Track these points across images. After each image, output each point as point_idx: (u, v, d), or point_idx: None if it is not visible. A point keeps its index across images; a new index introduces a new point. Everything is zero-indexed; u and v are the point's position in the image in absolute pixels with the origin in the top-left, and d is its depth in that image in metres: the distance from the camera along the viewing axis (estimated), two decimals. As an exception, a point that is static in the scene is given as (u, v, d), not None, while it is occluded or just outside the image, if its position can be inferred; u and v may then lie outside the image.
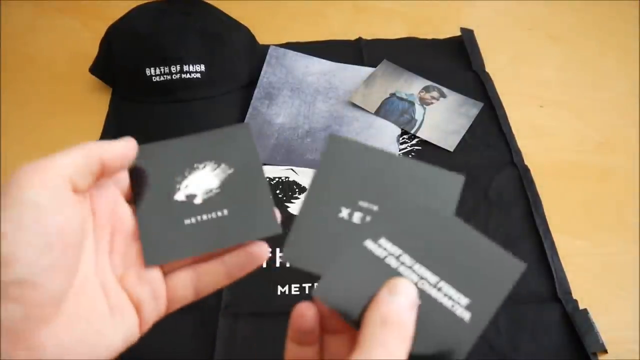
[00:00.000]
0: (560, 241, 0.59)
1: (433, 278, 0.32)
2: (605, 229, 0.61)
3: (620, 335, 0.52)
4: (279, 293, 0.56)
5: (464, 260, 0.34)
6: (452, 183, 0.39)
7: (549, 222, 0.60)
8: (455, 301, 0.31)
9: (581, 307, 0.54)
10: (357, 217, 0.34)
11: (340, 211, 0.35)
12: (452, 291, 0.32)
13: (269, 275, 0.57)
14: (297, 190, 0.64)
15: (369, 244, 0.32)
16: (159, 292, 0.31)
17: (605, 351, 0.51)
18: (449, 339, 0.30)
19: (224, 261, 0.33)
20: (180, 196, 0.36)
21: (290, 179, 0.65)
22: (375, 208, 0.35)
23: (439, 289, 0.32)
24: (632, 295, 0.56)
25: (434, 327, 0.30)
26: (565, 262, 0.57)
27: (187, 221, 0.35)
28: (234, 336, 0.53)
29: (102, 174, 0.29)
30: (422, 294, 0.31)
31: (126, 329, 0.29)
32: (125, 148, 0.32)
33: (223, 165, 0.38)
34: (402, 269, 0.31)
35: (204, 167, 0.38)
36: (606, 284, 0.57)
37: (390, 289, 0.29)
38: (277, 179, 0.65)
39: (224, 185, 0.37)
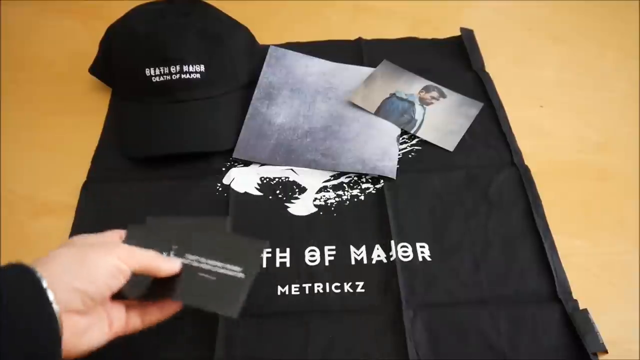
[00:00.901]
0: (560, 241, 0.59)
1: (219, 263, 0.49)
2: (605, 229, 0.61)
3: (620, 335, 0.52)
4: (279, 293, 0.56)
5: (229, 249, 0.50)
6: (257, 248, 0.50)
7: (549, 222, 0.60)
8: (234, 270, 0.48)
9: (581, 307, 0.54)
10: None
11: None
12: (231, 267, 0.48)
13: (269, 275, 0.57)
14: (297, 190, 0.64)
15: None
16: (122, 318, 0.46)
17: (606, 351, 0.51)
18: (226, 293, 0.47)
19: (159, 307, 0.48)
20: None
21: (290, 179, 0.65)
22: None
23: (224, 268, 0.48)
24: (632, 295, 0.56)
25: (219, 289, 0.47)
26: (565, 262, 0.57)
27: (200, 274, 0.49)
28: (234, 336, 0.53)
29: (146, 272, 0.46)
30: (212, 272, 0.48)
31: (103, 333, 0.44)
32: (174, 268, 0.48)
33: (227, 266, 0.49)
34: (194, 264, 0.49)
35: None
36: (606, 284, 0.57)
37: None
38: (277, 179, 0.65)
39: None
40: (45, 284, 0.38)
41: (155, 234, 0.51)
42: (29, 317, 0.36)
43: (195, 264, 0.49)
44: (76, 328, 0.40)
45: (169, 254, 0.49)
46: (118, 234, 0.50)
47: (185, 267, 0.48)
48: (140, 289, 0.48)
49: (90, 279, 0.41)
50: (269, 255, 0.59)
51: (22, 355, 0.36)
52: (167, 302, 0.48)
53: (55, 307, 0.38)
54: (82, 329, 0.41)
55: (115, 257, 0.42)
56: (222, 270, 0.48)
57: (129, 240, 0.50)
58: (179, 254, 0.49)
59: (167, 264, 0.47)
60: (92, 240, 0.46)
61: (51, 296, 0.38)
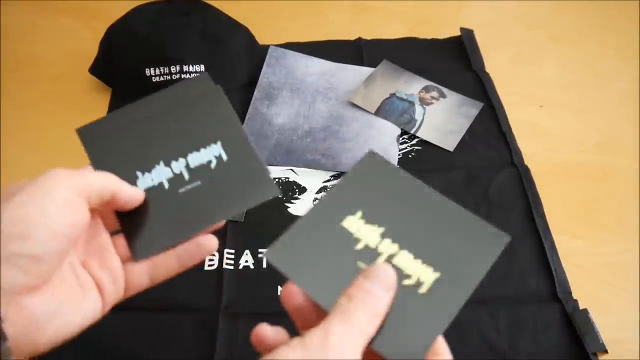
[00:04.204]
0: (560, 241, 0.59)
1: (401, 253, 0.32)
2: (605, 229, 0.61)
3: (620, 335, 0.52)
4: (278, 293, 0.56)
5: (440, 234, 0.33)
6: (495, 242, 0.35)
7: (549, 222, 0.60)
8: (418, 275, 0.31)
9: (581, 307, 0.54)
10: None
11: (343, 220, 0.33)
12: (413, 264, 0.31)
13: (269, 275, 0.57)
14: (297, 190, 0.64)
15: (343, 221, 0.33)
16: (118, 278, 0.35)
17: (606, 351, 0.51)
18: (417, 317, 0.30)
19: (176, 251, 0.36)
20: (165, 174, 0.38)
21: (290, 180, 0.65)
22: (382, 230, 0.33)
23: (395, 263, 0.31)
24: (632, 295, 0.56)
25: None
26: (565, 262, 0.57)
27: (181, 190, 0.37)
28: (234, 336, 0.53)
29: (107, 204, 0.34)
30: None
31: (93, 307, 0.33)
32: (136, 196, 0.36)
33: (208, 148, 0.38)
34: (371, 248, 0.32)
35: (189, 154, 0.38)
36: (606, 284, 0.57)
37: (365, 275, 0.30)
38: (277, 180, 0.65)
39: (212, 162, 0.38)
40: None
41: (119, 141, 0.38)
42: None
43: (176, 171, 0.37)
44: (32, 316, 0.28)
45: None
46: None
47: (159, 191, 0.37)
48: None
49: (30, 232, 0.28)
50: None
51: None
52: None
53: None
54: (42, 314, 0.29)
55: (65, 187, 0.31)
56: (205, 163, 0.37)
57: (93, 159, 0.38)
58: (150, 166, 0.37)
59: (129, 187, 0.35)
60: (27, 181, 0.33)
61: None
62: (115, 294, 0.34)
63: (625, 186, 0.65)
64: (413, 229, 0.33)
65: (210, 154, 0.37)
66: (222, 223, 0.38)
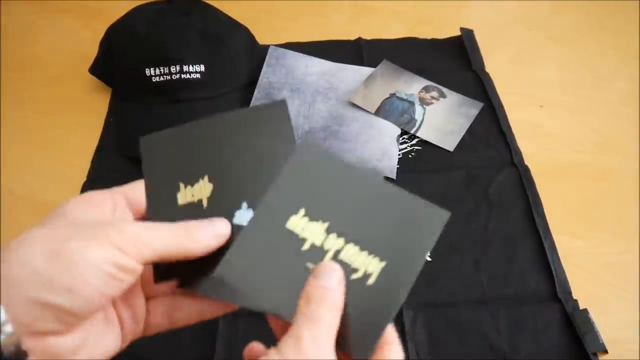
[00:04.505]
0: (560, 241, 0.59)
1: (346, 247, 0.31)
2: (605, 229, 0.61)
3: (620, 335, 0.52)
4: (279, 293, 0.56)
5: (382, 221, 0.32)
6: (435, 219, 0.32)
7: (548, 222, 0.60)
8: (364, 267, 0.31)
9: (581, 307, 0.54)
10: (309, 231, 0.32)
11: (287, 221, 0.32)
12: (360, 257, 0.31)
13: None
14: (297, 190, 0.64)
15: (286, 224, 0.32)
16: (140, 317, 0.33)
17: (606, 351, 0.51)
18: (368, 310, 0.30)
19: (200, 300, 0.34)
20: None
21: (290, 179, 0.65)
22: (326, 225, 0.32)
23: (342, 259, 0.31)
24: (632, 295, 0.56)
25: (354, 305, 0.30)
26: (565, 262, 0.57)
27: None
28: (234, 336, 0.53)
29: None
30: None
31: (114, 343, 0.32)
32: (205, 245, 0.31)
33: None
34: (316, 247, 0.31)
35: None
36: (606, 284, 0.57)
37: (314, 275, 0.30)
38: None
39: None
40: None
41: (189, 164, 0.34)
42: None
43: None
44: (56, 350, 0.27)
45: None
46: (124, 195, 0.34)
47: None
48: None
49: (68, 286, 0.26)
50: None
51: None
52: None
53: (8, 329, 0.25)
54: (67, 350, 0.28)
55: (111, 249, 0.27)
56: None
57: (150, 196, 0.34)
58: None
59: (203, 238, 0.31)
60: (85, 212, 0.31)
61: (3, 315, 0.25)
62: (135, 331, 0.33)
63: (625, 186, 0.65)
64: (356, 219, 0.32)
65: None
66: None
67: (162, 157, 0.37)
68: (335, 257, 0.31)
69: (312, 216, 0.32)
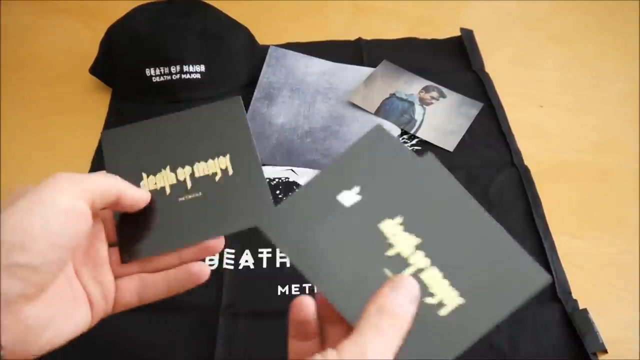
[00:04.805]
0: (560, 241, 0.59)
1: (194, 167, 0.36)
2: (605, 229, 0.61)
3: (620, 335, 0.52)
4: (279, 293, 0.56)
5: (476, 258, 0.31)
6: (534, 279, 0.32)
7: (548, 222, 0.60)
8: (217, 168, 0.34)
9: (581, 307, 0.54)
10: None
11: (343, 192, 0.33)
12: (441, 284, 0.30)
13: (269, 275, 0.57)
14: (297, 190, 0.64)
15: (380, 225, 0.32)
16: (108, 294, 0.35)
17: (605, 351, 0.51)
18: (429, 339, 0.29)
19: (167, 275, 0.37)
20: (169, 180, 0.38)
21: (290, 180, 0.65)
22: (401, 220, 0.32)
23: (422, 278, 0.30)
24: (632, 295, 0.56)
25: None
26: (565, 262, 0.57)
27: (181, 198, 0.37)
28: (234, 336, 0.53)
29: (112, 206, 0.34)
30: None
31: (83, 319, 0.33)
32: (141, 198, 0.36)
33: (216, 160, 0.38)
34: (400, 258, 0.31)
35: (196, 163, 0.39)
36: (606, 284, 0.57)
37: (391, 285, 0.30)
38: (277, 180, 0.65)
39: (217, 175, 0.38)
40: None
41: (137, 146, 0.39)
42: None
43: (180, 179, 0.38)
44: (27, 322, 0.29)
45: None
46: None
47: (159, 197, 0.37)
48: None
49: (23, 243, 0.28)
50: (269, 255, 0.59)
51: None
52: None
53: None
54: (38, 323, 0.29)
55: (68, 194, 0.29)
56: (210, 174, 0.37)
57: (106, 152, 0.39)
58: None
59: (134, 189, 0.35)
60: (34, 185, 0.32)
61: None
62: (104, 308, 0.35)
63: (625, 186, 0.65)
64: (449, 246, 0.32)
65: (217, 166, 0.38)
66: (218, 240, 0.37)
67: (124, 149, 0.40)
68: (415, 274, 0.31)
69: (408, 227, 0.32)
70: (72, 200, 0.30)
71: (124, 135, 0.41)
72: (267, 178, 0.65)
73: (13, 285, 0.27)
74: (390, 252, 0.31)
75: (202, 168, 0.38)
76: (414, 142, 0.69)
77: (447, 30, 0.83)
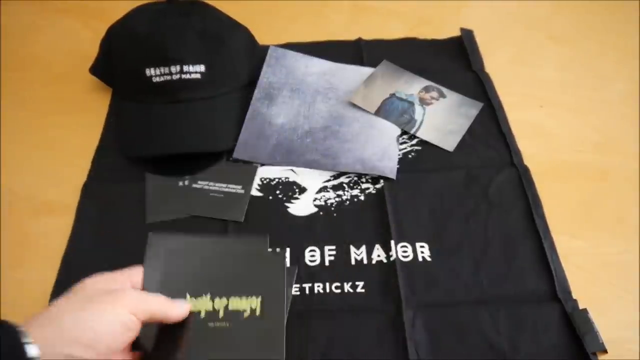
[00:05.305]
0: (560, 241, 0.59)
1: (229, 300, 0.45)
2: (605, 229, 0.61)
3: (620, 335, 0.52)
4: (279, 293, 0.56)
5: (244, 272, 0.46)
6: (273, 259, 0.48)
7: (548, 222, 0.60)
8: (248, 306, 0.45)
9: (581, 306, 0.54)
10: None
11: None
12: (242, 302, 0.45)
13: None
14: (297, 190, 0.64)
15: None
16: None
17: (605, 351, 0.51)
18: (260, 339, 0.43)
19: None
20: (207, 306, 0.46)
21: (290, 179, 0.65)
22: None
23: (232, 309, 0.45)
24: (632, 295, 0.56)
25: (244, 336, 0.43)
26: (565, 262, 0.57)
27: (210, 324, 0.45)
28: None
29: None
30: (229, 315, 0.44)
31: None
32: (179, 316, 0.44)
33: (250, 298, 0.46)
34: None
35: (232, 297, 0.47)
36: (606, 284, 0.57)
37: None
38: (277, 180, 0.65)
39: (246, 312, 0.46)
40: (35, 353, 0.34)
41: (176, 264, 0.47)
42: None
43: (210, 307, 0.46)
44: None
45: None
46: (129, 276, 0.45)
47: (195, 317, 0.45)
48: (147, 340, 0.44)
49: (88, 342, 0.36)
50: None
51: None
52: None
53: None
54: None
55: (124, 310, 0.38)
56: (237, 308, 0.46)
57: (147, 268, 0.47)
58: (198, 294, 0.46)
59: (177, 310, 0.43)
60: (100, 286, 0.41)
61: None
62: None
63: (625, 186, 0.65)
64: (225, 280, 0.46)
65: (249, 304, 0.45)
66: None
67: (168, 261, 0.48)
68: (226, 310, 0.45)
69: (195, 295, 0.46)
70: (130, 316, 0.38)
71: (169, 244, 0.50)
72: (267, 178, 0.65)
73: None
74: (202, 314, 0.46)
75: (236, 303, 0.46)
76: (414, 142, 0.69)
77: (447, 30, 0.83)
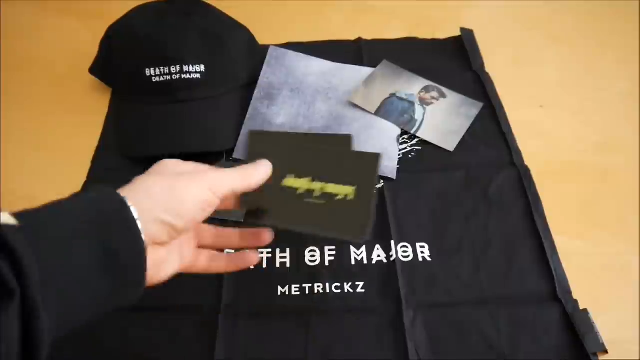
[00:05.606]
0: (560, 241, 0.59)
1: (326, 185, 0.50)
2: (605, 229, 0.61)
3: (620, 335, 0.52)
4: (279, 293, 0.56)
5: (343, 167, 0.51)
6: (371, 159, 0.51)
7: (549, 222, 0.60)
8: (342, 192, 0.49)
9: (581, 307, 0.54)
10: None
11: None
12: (338, 188, 0.49)
13: (269, 275, 0.57)
14: (297, 190, 0.64)
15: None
16: (190, 256, 0.45)
17: (606, 351, 0.51)
18: (350, 218, 0.47)
19: (229, 256, 0.49)
20: (307, 185, 0.50)
21: (290, 179, 0.65)
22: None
23: (326, 191, 0.49)
24: (632, 295, 0.56)
25: (335, 213, 0.47)
26: (565, 262, 0.57)
27: (307, 199, 0.49)
28: (234, 336, 0.53)
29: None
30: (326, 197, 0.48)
31: (175, 267, 0.42)
32: (263, 176, 0.46)
33: (345, 186, 0.50)
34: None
35: (331, 183, 0.50)
36: (606, 284, 0.57)
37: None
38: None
39: (339, 196, 0.50)
40: (135, 215, 0.35)
41: (273, 149, 0.51)
42: (118, 250, 0.34)
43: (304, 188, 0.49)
44: (157, 260, 0.39)
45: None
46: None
47: (288, 192, 0.49)
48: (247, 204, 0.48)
49: (178, 211, 0.38)
50: (269, 255, 0.59)
51: (110, 288, 0.34)
52: (252, 239, 0.49)
53: (143, 239, 0.36)
54: (161, 260, 0.40)
55: (205, 188, 0.40)
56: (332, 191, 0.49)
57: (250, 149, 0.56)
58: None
59: (258, 171, 0.45)
60: (181, 168, 0.42)
61: (141, 229, 0.35)
62: (185, 266, 0.44)
63: (625, 186, 0.65)
64: (324, 168, 0.50)
65: (344, 191, 0.49)
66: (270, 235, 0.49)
67: (271, 149, 0.51)
68: (322, 192, 0.49)
69: (299, 175, 0.50)
70: (210, 194, 0.40)
71: (270, 139, 0.58)
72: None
73: (159, 233, 0.37)
74: (300, 191, 0.49)
75: (332, 187, 0.50)
76: (414, 142, 0.69)
77: (447, 30, 0.83)
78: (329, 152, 0.53)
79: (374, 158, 0.52)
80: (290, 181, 0.50)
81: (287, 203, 0.49)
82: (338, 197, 0.49)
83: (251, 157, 0.50)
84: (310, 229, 0.48)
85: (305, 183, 0.50)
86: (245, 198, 0.47)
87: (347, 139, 0.60)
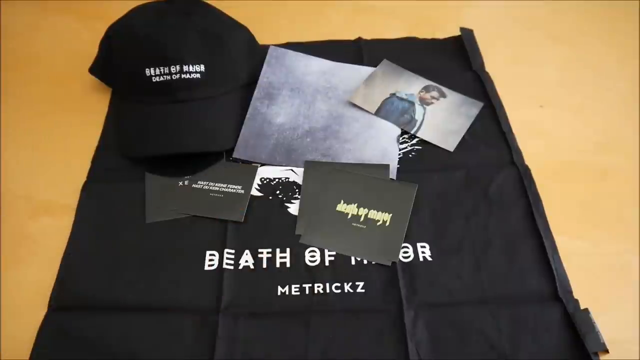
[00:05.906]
0: (561, 241, 0.59)
1: (369, 211, 0.61)
2: (605, 229, 0.61)
3: (621, 335, 0.52)
4: (279, 293, 0.56)
5: (381, 195, 0.61)
6: (409, 191, 0.62)
7: (549, 222, 0.60)
8: (381, 218, 0.60)
9: (582, 306, 0.54)
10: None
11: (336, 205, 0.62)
12: (378, 214, 0.60)
13: (269, 275, 0.57)
14: (296, 190, 0.64)
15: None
16: None
17: (606, 351, 0.51)
18: (384, 243, 0.58)
19: None
20: (353, 211, 0.61)
21: (290, 179, 0.65)
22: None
23: (369, 217, 0.60)
24: (632, 295, 0.56)
25: (373, 238, 0.58)
26: (566, 262, 0.57)
27: (354, 224, 0.60)
28: (234, 336, 0.52)
29: None
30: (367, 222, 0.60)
31: None
32: None
33: (384, 213, 0.61)
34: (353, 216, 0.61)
35: (372, 210, 0.61)
36: (606, 284, 0.57)
37: None
38: (277, 180, 0.65)
39: (379, 222, 0.60)
40: None
41: (327, 177, 0.64)
42: None
43: None
44: None
45: None
46: None
47: (339, 216, 0.61)
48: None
49: None
50: (269, 255, 0.59)
51: None
52: None
53: None
54: None
55: None
56: None
57: (305, 175, 0.63)
58: None
59: None
60: None
61: None
62: None
63: (625, 186, 0.65)
64: (368, 196, 0.61)
65: (382, 217, 0.60)
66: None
67: (323, 178, 0.64)
68: (365, 217, 0.60)
69: (348, 202, 0.61)
70: None
71: (323, 169, 0.64)
72: (267, 178, 0.65)
73: None
74: (349, 216, 0.61)
75: (373, 214, 0.60)
76: (414, 141, 0.69)
77: (447, 30, 0.83)
78: (373, 181, 0.62)
79: (412, 188, 0.61)
80: (342, 207, 0.61)
81: (337, 226, 0.59)
82: (377, 224, 0.59)
83: (307, 184, 0.62)
84: (349, 253, 0.58)
85: (353, 208, 0.61)
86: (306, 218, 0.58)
87: (385, 167, 0.65)
